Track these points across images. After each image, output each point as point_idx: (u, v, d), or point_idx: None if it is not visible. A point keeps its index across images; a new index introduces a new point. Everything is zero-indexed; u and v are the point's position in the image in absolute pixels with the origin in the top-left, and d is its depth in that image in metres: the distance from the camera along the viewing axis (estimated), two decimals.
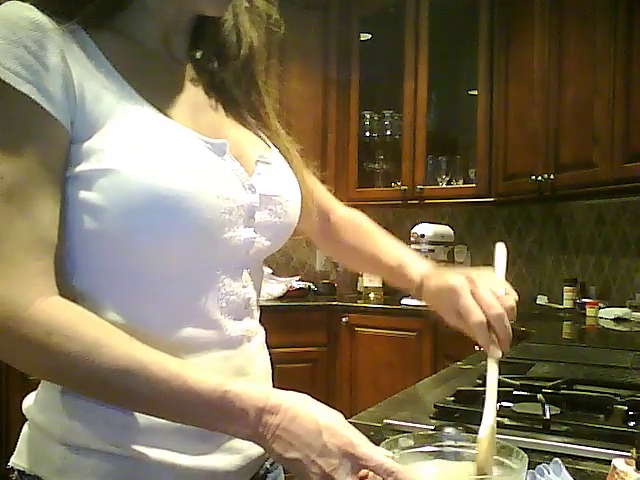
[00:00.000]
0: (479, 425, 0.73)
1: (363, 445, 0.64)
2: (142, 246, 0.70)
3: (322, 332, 3.34)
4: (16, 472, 0.76)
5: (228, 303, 0.78)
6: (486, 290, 0.86)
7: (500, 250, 0.96)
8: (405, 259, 1.03)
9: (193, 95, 0.81)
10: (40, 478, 0.74)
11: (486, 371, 0.80)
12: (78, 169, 0.69)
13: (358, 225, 1.11)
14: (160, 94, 0.75)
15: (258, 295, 0.86)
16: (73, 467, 0.72)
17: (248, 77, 0.88)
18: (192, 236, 0.71)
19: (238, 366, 0.79)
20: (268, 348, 0.89)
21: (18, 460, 0.77)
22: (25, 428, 0.78)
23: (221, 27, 0.86)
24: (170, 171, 0.69)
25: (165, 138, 0.71)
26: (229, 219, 0.74)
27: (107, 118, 0.69)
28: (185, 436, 0.73)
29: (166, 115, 0.73)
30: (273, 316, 3.21)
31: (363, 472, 0.64)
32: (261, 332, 0.87)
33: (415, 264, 1.01)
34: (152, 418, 0.70)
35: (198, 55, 0.88)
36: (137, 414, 0.71)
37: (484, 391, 1.14)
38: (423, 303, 0.98)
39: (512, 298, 0.87)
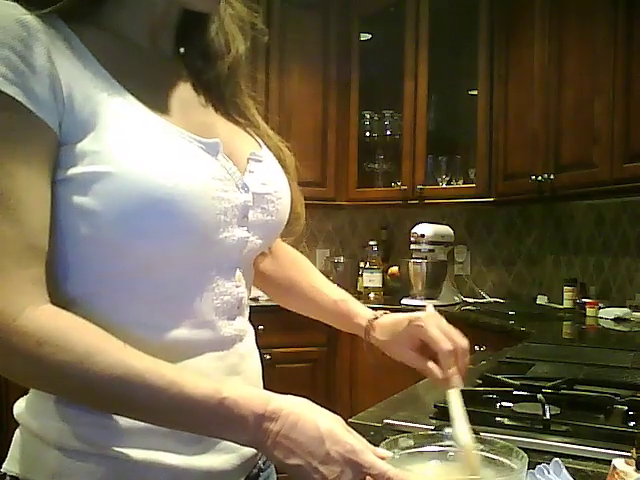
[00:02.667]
0: (479, 425, 0.73)
1: (366, 452, 0.64)
2: (138, 250, 0.69)
3: (322, 332, 3.33)
4: (8, 477, 0.74)
5: (222, 303, 0.77)
6: (450, 326, 0.92)
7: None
8: (348, 297, 1.06)
9: (182, 92, 0.80)
10: None
11: (448, 398, 0.82)
12: (71, 172, 0.67)
13: (297, 260, 1.08)
14: (150, 92, 0.74)
15: (249, 294, 0.86)
16: (69, 471, 0.71)
17: (232, 80, 0.87)
18: (188, 239, 0.71)
19: (231, 365, 0.78)
20: (259, 348, 0.89)
21: (11, 466, 0.75)
22: (17, 434, 0.76)
23: (208, 28, 0.85)
24: (166, 174, 0.68)
25: (159, 140, 0.70)
26: (224, 220, 0.74)
27: (99, 119, 0.68)
28: (179, 437, 0.72)
29: (158, 113, 0.72)
30: (273, 316, 3.19)
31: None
32: (251, 331, 0.87)
33: (359, 304, 1.05)
34: None
35: (182, 50, 0.87)
36: None
37: (484, 391, 1.15)
38: (375, 339, 0.99)
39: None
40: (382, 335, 0.97)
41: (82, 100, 0.68)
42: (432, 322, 0.91)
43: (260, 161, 0.83)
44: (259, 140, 0.87)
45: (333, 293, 1.05)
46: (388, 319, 0.98)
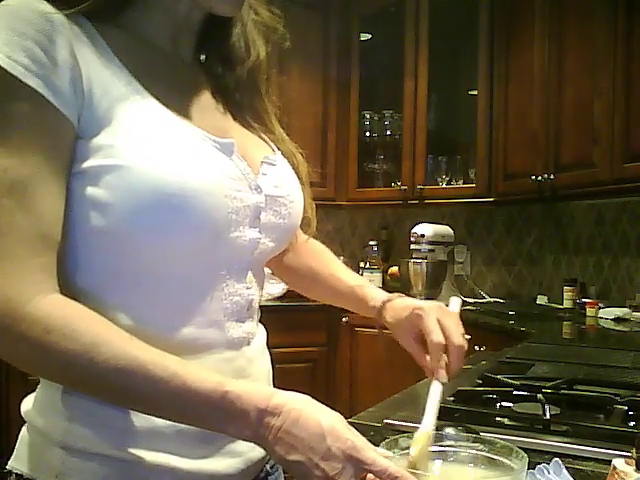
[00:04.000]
0: (479, 425, 0.73)
1: (367, 449, 0.64)
2: (148, 244, 0.70)
3: (322, 332, 3.34)
4: (14, 475, 0.75)
5: (232, 304, 0.77)
6: (452, 322, 0.90)
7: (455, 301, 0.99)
8: (366, 282, 1.07)
9: (199, 96, 0.81)
10: None
11: (429, 390, 0.83)
12: (85, 165, 0.68)
13: (319, 251, 1.11)
14: (167, 92, 0.75)
15: (260, 297, 0.86)
16: (72, 471, 0.71)
17: (251, 85, 0.88)
18: (199, 235, 0.71)
19: (239, 368, 0.78)
20: (269, 349, 0.89)
21: (16, 463, 0.75)
22: (23, 431, 0.77)
23: (229, 33, 0.86)
24: (179, 170, 0.68)
25: (174, 136, 0.71)
26: (235, 219, 0.74)
27: (115, 114, 0.69)
28: (185, 439, 0.73)
29: (174, 113, 0.73)
30: (273, 316, 3.18)
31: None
32: (261, 334, 0.87)
33: (376, 289, 1.06)
34: (152, 421, 0.70)
35: (202, 58, 0.89)
36: (137, 417, 0.71)
37: (484, 391, 1.15)
38: (383, 323, 1.00)
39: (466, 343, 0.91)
40: (391, 317, 0.98)
41: (101, 95, 0.69)
42: (432, 313, 0.91)
43: (273, 165, 0.83)
44: (273, 146, 0.88)
45: (351, 279, 1.07)
46: (399, 303, 0.99)
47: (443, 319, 0.90)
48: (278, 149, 0.89)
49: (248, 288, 0.80)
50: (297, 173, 0.89)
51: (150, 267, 0.71)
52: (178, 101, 0.76)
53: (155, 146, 0.68)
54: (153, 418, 0.70)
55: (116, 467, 0.71)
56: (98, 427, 0.71)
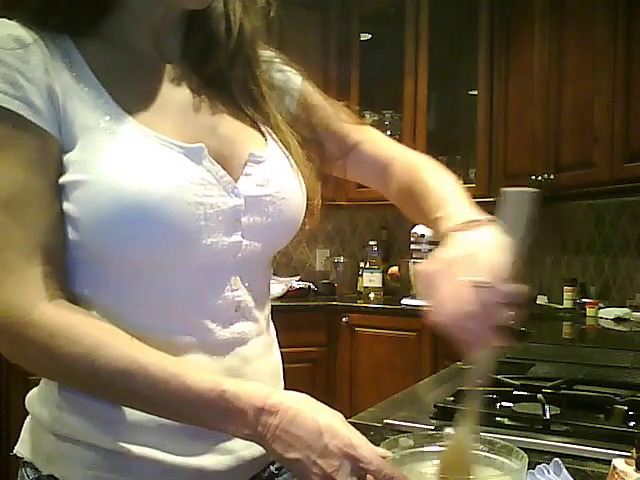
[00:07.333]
0: (479, 425, 0.73)
1: (364, 447, 0.65)
2: (117, 256, 0.71)
3: (322, 332, 3.33)
4: (21, 460, 0.80)
5: (215, 308, 0.77)
6: (462, 280, 0.67)
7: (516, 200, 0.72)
8: (448, 212, 0.79)
9: (182, 97, 0.80)
10: (34, 465, 0.77)
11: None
12: (61, 180, 0.71)
13: (414, 170, 0.91)
14: (143, 101, 0.75)
15: (264, 296, 0.85)
16: (61, 455, 0.75)
17: (243, 64, 0.85)
18: (167, 244, 0.71)
19: (229, 368, 0.77)
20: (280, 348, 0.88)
21: (20, 448, 0.81)
22: (27, 418, 0.81)
23: (210, 15, 0.83)
24: (136, 181, 0.69)
25: (135, 147, 0.71)
26: (206, 225, 0.73)
27: (83, 129, 0.70)
28: (172, 434, 0.73)
29: (146, 122, 0.73)
30: (273, 316, 3.20)
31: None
32: (265, 333, 0.86)
33: (454, 214, 0.78)
34: (137, 414, 0.72)
35: (189, 50, 0.85)
36: (120, 410, 0.73)
37: (484, 391, 1.15)
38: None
39: (497, 290, 0.68)
40: None
41: (74, 112, 0.71)
42: (439, 279, 0.68)
43: (260, 162, 0.80)
44: (267, 136, 0.84)
45: (434, 209, 0.81)
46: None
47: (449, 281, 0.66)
48: (273, 138, 0.84)
49: (234, 291, 0.78)
50: (293, 162, 0.84)
51: (127, 275, 0.73)
52: (152, 110, 0.76)
53: (116, 159, 0.69)
54: (135, 411, 0.72)
55: (101, 454, 0.74)
56: (83, 417, 0.74)
